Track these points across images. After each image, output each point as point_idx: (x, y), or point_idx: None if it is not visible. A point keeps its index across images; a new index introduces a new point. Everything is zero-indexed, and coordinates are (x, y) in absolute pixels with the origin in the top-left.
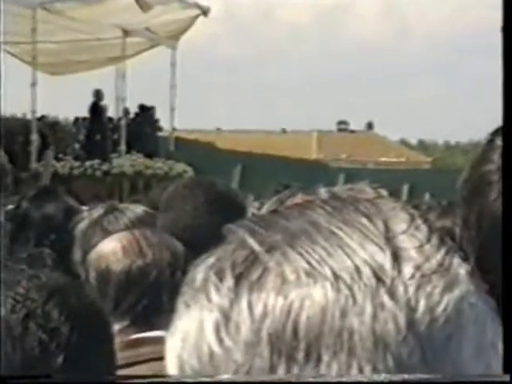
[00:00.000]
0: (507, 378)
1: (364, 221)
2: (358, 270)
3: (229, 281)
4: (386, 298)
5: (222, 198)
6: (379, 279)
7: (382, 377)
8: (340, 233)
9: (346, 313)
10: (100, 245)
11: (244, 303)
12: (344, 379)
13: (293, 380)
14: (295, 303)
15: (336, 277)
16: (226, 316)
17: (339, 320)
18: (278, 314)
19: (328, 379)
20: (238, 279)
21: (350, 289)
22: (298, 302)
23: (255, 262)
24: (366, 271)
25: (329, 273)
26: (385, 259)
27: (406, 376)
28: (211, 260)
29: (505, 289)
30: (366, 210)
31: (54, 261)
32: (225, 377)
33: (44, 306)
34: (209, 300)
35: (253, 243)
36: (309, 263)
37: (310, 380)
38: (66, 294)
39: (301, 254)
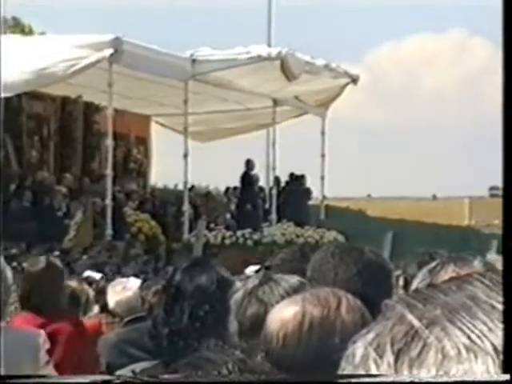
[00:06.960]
0: (507, 377)
1: None
2: None
3: (389, 357)
4: None
5: (370, 267)
6: None
7: (384, 377)
8: (500, 307)
9: None
10: (275, 312)
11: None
12: (353, 380)
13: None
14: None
15: (497, 352)
16: None
17: None
18: None
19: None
20: (398, 355)
21: None
22: (459, 377)
23: (415, 337)
24: None
25: (490, 348)
26: None
27: (406, 376)
28: (370, 336)
29: (505, 289)
30: None
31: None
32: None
33: None
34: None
35: (412, 318)
36: (469, 338)
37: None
38: None
39: (461, 329)
